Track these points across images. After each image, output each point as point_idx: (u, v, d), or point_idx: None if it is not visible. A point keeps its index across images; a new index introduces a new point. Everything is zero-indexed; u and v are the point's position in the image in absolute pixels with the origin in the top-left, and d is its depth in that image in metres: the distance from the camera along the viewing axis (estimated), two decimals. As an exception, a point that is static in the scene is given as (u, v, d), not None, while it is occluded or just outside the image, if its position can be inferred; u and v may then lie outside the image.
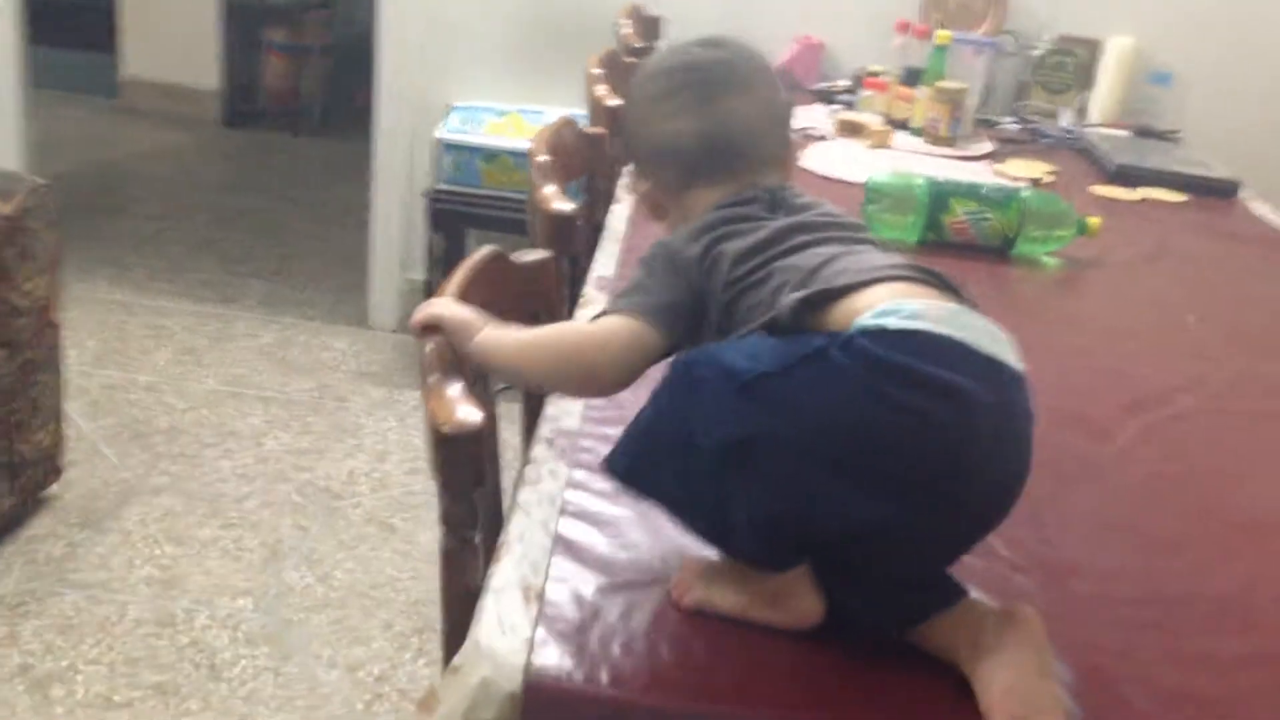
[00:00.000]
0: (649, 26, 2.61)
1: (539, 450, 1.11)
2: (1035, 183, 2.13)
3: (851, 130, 2.33)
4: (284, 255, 3.48)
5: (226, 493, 2.29)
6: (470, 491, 0.93)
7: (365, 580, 2.08)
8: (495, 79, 2.94)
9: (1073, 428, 1.24)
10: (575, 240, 1.38)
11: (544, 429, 1.15)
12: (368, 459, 2.46)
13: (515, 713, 0.80)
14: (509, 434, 1.29)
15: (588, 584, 0.92)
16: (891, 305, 0.83)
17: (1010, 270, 1.73)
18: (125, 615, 1.93)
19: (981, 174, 2.16)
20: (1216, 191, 2.24)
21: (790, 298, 0.88)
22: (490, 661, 0.82)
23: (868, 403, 0.78)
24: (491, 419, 1.19)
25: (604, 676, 0.81)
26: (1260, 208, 2.20)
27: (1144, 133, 2.55)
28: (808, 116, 2.40)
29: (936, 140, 2.31)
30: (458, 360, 0.98)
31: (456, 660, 0.84)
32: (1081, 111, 2.62)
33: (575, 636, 0.85)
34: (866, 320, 0.82)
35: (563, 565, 0.94)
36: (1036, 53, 2.64)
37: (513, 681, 0.81)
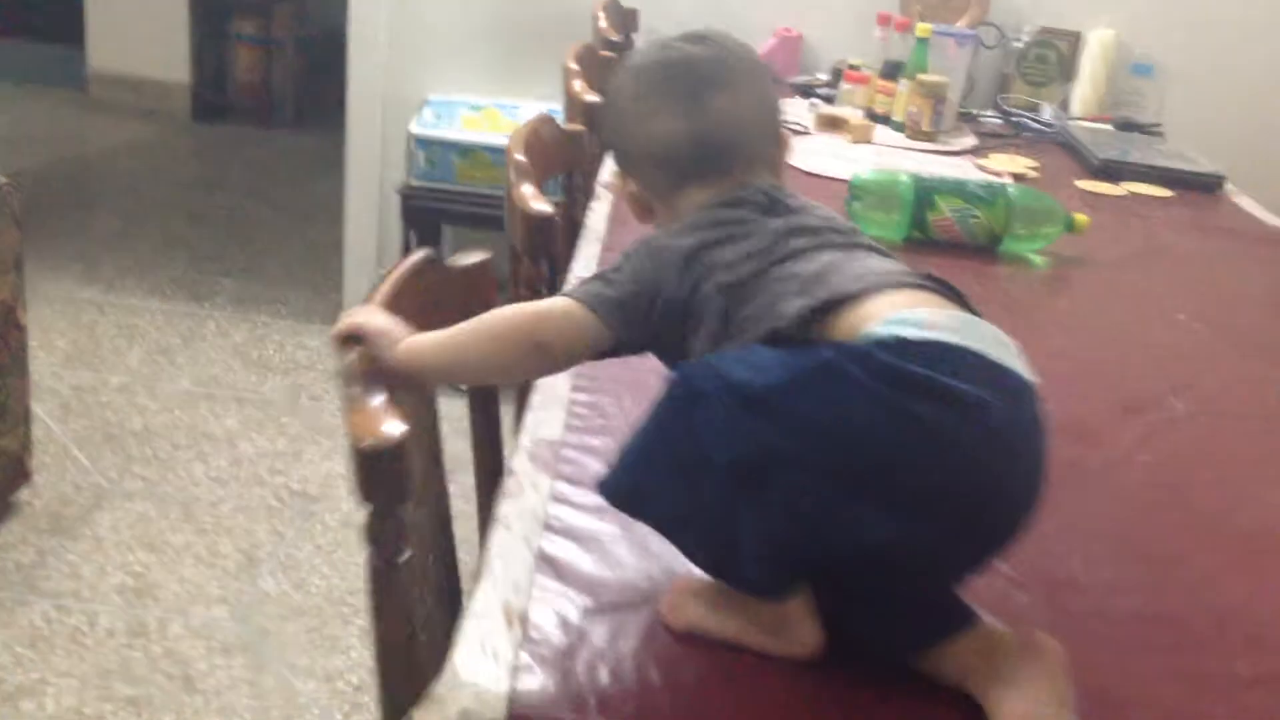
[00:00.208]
0: (625, 19, 2.57)
1: (519, 461, 1.07)
2: (1019, 178, 2.11)
3: (832, 125, 2.30)
4: (256, 252, 3.43)
5: (200, 497, 2.25)
6: (396, 508, 0.89)
7: (342, 586, 2.04)
8: (470, 72, 2.89)
9: (1067, 433, 1.19)
10: (554, 241, 1.35)
11: (524, 439, 1.11)
12: (344, 461, 2.41)
13: (499, 745, 0.77)
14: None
15: (573, 605, 0.88)
16: (904, 314, 0.80)
17: (997, 269, 1.71)
18: (97, 625, 1.89)
19: (964, 169, 2.14)
20: (1201, 186, 2.22)
21: (795, 306, 0.84)
22: (471, 690, 0.79)
23: (887, 417, 0.75)
24: (432, 427, 1.15)
25: (592, 705, 0.78)
26: (1245, 202, 2.19)
27: (1126, 126, 2.54)
28: (787, 110, 2.37)
29: (918, 135, 2.29)
30: (380, 370, 0.94)
31: (435, 688, 0.81)
32: (1063, 104, 2.60)
33: (561, 662, 0.81)
34: (879, 330, 0.79)
35: (546, 585, 0.90)
36: (1018, 45, 2.61)
37: (496, 711, 0.78)
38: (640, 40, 2.64)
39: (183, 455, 2.38)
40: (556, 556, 0.94)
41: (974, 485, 0.76)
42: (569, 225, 1.64)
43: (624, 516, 0.89)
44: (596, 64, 2.00)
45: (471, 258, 1.18)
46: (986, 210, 1.71)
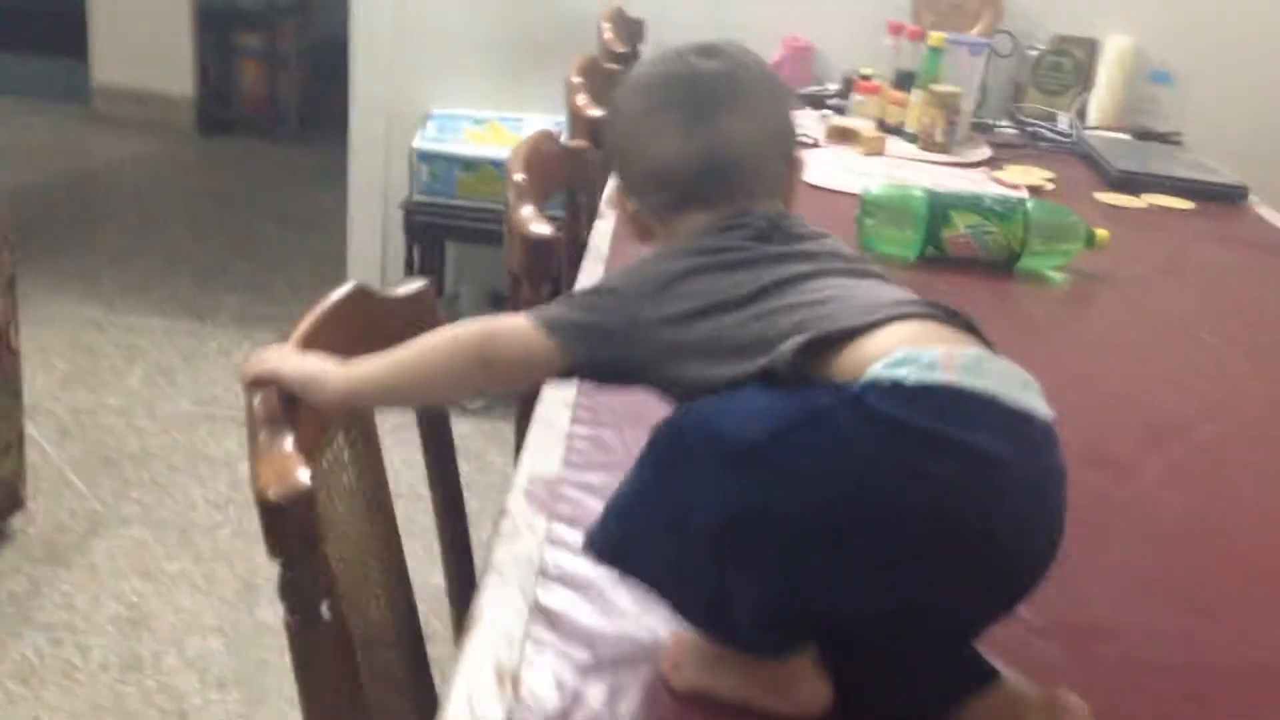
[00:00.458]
0: (631, 30, 2.51)
1: (515, 501, 1.02)
2: (1036, 190, 2.05)
3: (843, 136, 2.25)
4: (260, 268, 3.38)
5: (198, 522, 2.20)
6: (309, 557, 0.84)
7: (342, 615, 1.99)
8: (474, 84, 2.85)
9: (1091, 465, 1.15)
10: (555, 264, 1.29)
11: (521, 476, 1.06)
12: (345, 484, 2.36)
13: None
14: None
15: (569, 662, 0.83)
16: (906, 353, 0.73)
17: (1015, 287, 1.65)
18: (90, 658, 1.84)
19: (979, 181, 2.08)
20: (1224, 197, 2.16)
21: (789, 343, 0.77)
22: (460, 760, 0.74)
23: (881, 473, 0.69)
24: (376, 465, 1.09)
25: (588, 776, 0.73)
26: (1269, 213, 2.12)
27: (1145, 135, 2.47)
28: (800, 129, 2.32)
29: (931, 146, 2.23)
30: (289, 413, 0.88)
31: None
32: (1080, 114, 2.54)
33: (555, 728, 0.76)
34: (878, 372, 0.72)
35: (541, 638, 0.85)
36: (1033, 53, 2.55)
37: (485, 783, 0.72)
38: (646, 52, 2.59)
39: (181, 479, 2.33)
40: (552, 607, 0.88)
41: (981, 543, 0.70)
42: (572, 245, 1.59)
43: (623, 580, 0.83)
44: (601, 77, 1.95)
45: (411, 286, 1.12)
46: (1004, 226, 1.66)
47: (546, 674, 0.81)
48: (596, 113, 1.69)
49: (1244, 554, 1.05)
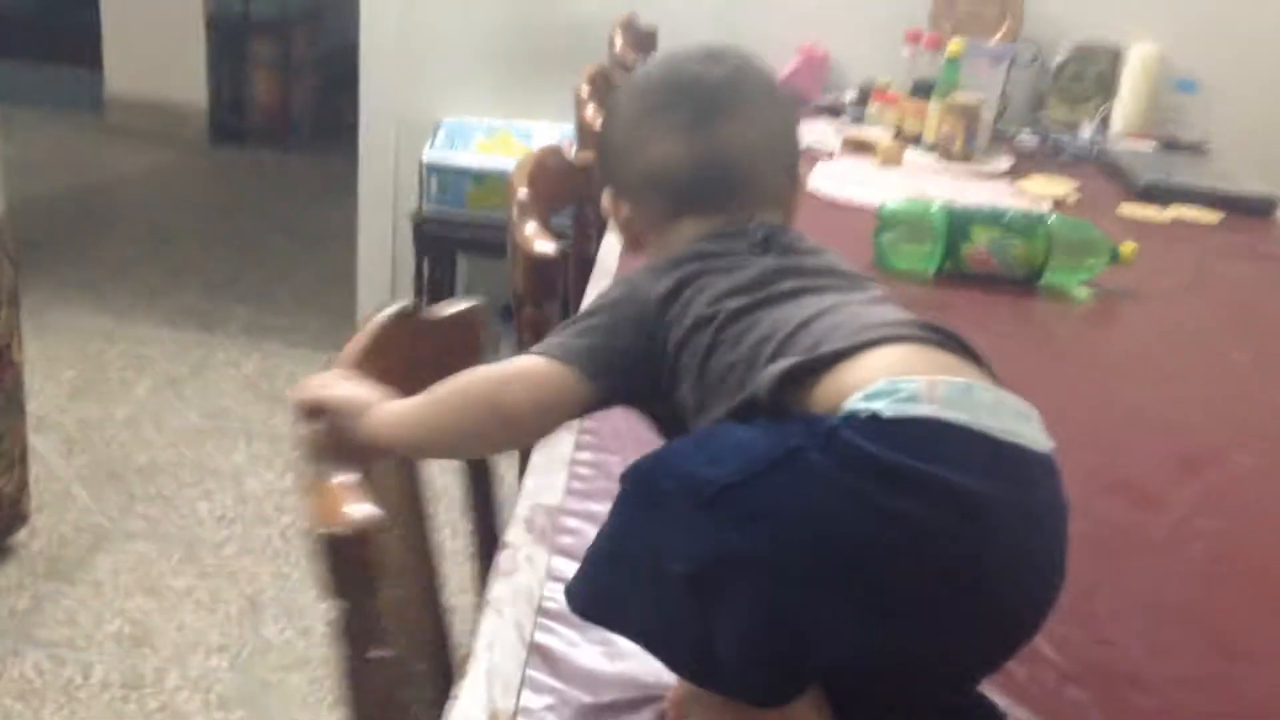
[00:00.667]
0: (643, 40, 2.47)
1: (515, 533, 0.98)
2: (1059, 202, 2.00)
3: (859, 147, 2.20)
4: (270, 279, 3.36)
5: (204, 538, 2.17)
6: (370, 599, 0.80)
7: (347, 635, 1.95)
8: (485, 93, 2.81)
9: (1119, 494, 1.11)
10: (560, 283, 1.25)
11: (522, 505, 1.02)
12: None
13: None
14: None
15: (568, 707, 0.79)
16: (886, 384, 0.68)
17: (1037, 303, 1.60)
18: (91, 677, 1.81)
19: (1000, 193, 2.03)
20: (1252, 209, 2.10)
21: (768, 373, 0.73)
22: (451, 816, 0.69)
23: (857, 514, 0.65)
24: (415, 499, 1.05)
25: (586, 835, 0.68)
26: (1298, 226, 2.07)
27: (1170, 145, 2.42)
28: (812, 132, 2.27)
29: (951, 157, 2.18)
30: (346, 445, 0.84)
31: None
32: (1103, 123, 2.48)
33: (552, 782, 0.72)
34: (855, 403, 0.68)
35: (539, 682, 0.81)
36: (1055, 61, 2.50)
37: (476, 841, 0.68)
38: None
39: (188, 493, 2.30)
40: (551, 647, 0.84)
41: (965, 586, 0.66)
42: (580, 262, 1.55)
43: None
44: (610, 88, 1.91)
45: (457, 306, 1.08)
46: (1025, 241, 1.61)
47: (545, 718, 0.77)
48: (606, 124, 1.65)
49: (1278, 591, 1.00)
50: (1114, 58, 2.51)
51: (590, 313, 0.83)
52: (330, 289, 3.22)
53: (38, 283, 3.01)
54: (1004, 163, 2.21)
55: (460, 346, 1.05)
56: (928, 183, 2.04)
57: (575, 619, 0.86)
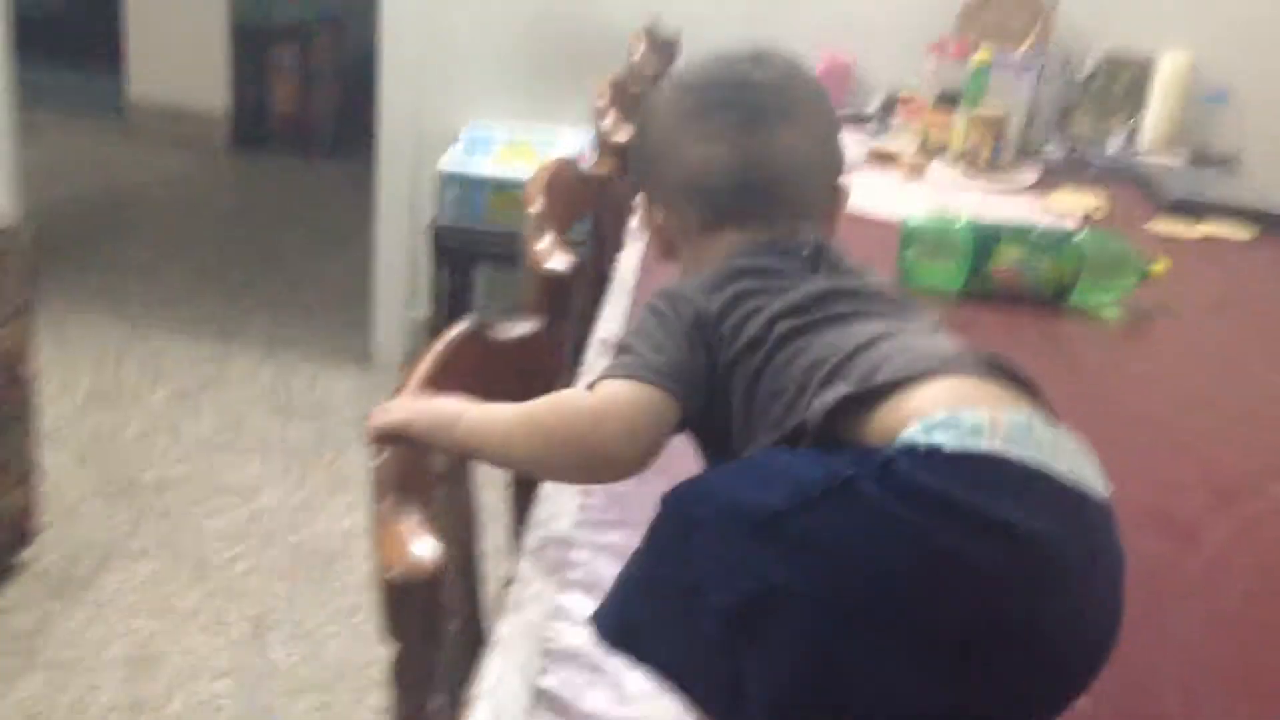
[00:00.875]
0: (664, 47, 2.44)
1: (525, 565, 0.94)
2: (1087, 217, 1.95)
3: (883, 160, 2.16)
4: (287, 287, 3.34)
5: (212, 556, 2.14)
6: (428, 647, 0.76)
7: (358, 657, 1.92)
8: (507, 100, 2.78)
9: (1153, 527, 1.06)
10: (573, 301, 1.21)
11: (531, 537, 0.98)
12: (364, 516, 2.30)
13: None
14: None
15: (574, 759, 0.75)
16: (947, 415, 0.65)
17: (1065, 324, 1.55)
18: (96, 699, 1.78)
19: (1027, 208, 1.98)
20: (1284, 224, 2.04)
21: (820, 402, 0.70)
22: None
23: (912, 552, 0.61)
24: (466, 539, 1.02)
25: None
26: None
27: (1201, 158, 2.36)
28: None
29: (976, 170, 2.13)
30: (417, 481, 0.81)
31: None
32: (1132, 135, 2.43)
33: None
34: (914, 435, 0.65)
35: (544, 731, 0.77)
36: (1083, 73, 2.45)
37: None
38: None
39: (198, 509, 2.27)
40: (557, 692, 0.80)
41: (1025, 637, 0.62)
42: (595, 277, 1.51)
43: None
44: (629, 98, 1.87)
45: (524, 326, 1.04)
46: (1053, 259, 1.56)
47: (548, 776, 0.73)
48: (623, 137, 1.61)
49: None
50: (1143, 68, 2.46)
51: (654, 328, 0.79)
52: (347, 299, 3.20)
53: (58, 289, 3.00)
54: (1031, 176, 2.16)
55: (530, 368, 1.02)
56: (953, 196, 1.99)
57: (584, 660, 0.83)
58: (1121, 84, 2.45)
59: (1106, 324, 1.57)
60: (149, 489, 2.31)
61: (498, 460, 0.83)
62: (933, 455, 0.63)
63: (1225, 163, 2.36)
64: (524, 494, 1.08)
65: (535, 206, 1.25)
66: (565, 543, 0.96)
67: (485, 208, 2.58)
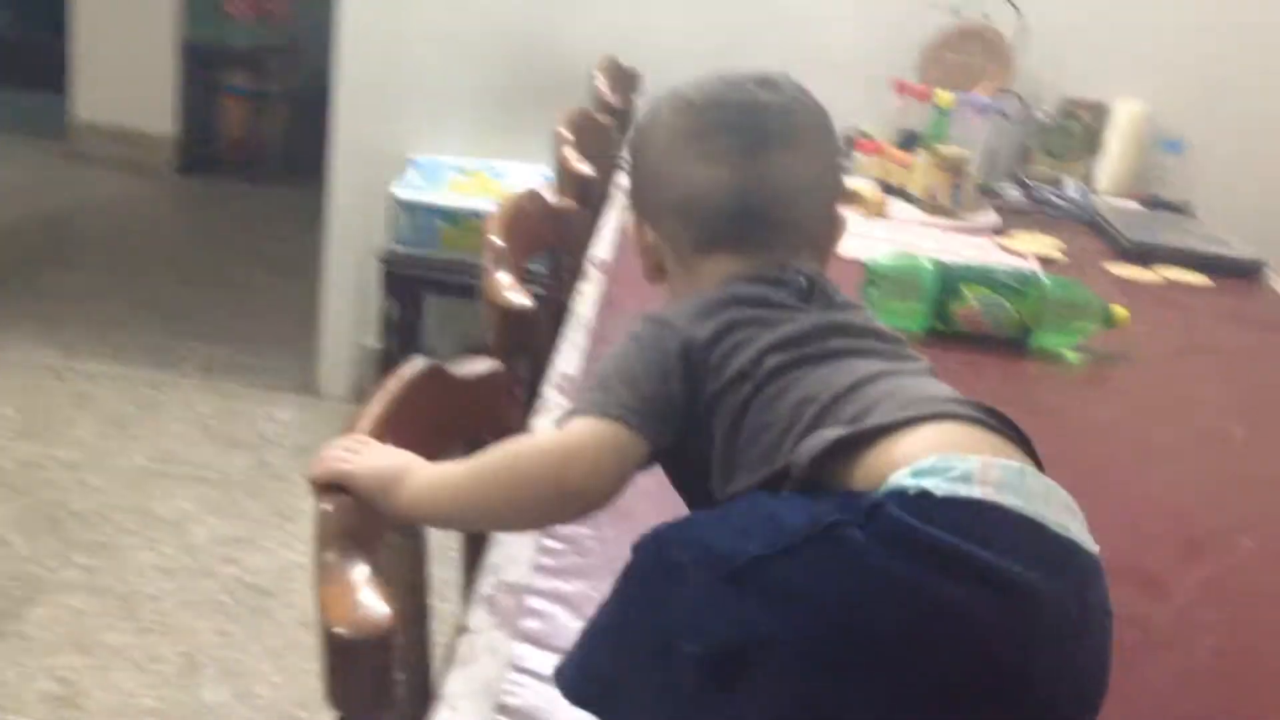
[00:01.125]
0: (626, 81, 2.41)
1: (477, 615, 0.89)
2: (1047, 261, 1.94)
3: (845, 198, 2.14)
4: (230, 314, 3.25)
5: (143, 590, 2.05)
6: (376, 712, 0.71)
7: (291, 695, 1.84)
8: (460, 131, 2.74)
9: (1123, 580, 1.01)
10: (535, 337, 1.17)
11: (484, 582, 0.93)
12: (303, 551, 2.21)
13: None
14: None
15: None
16: (938, 461, 0.63)
17: (1027, 367, 1.53)
18: (14, 741, 1.69)
19: (987, 249, 1.98)
20: (1239, 271, 2.05)
21: (810, 444, 0.68)
22: None
23: (901, 598, 0.59)
24: (419, 597, 0.96)
25: None
26: (1286, 290, 2.03)
27: (1156, 204, 2.38)
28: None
29: (936, 210, 2.13)
30: (365, 530, 0.76)
31: None
32: (1088, 179, 2.44)
33: None
34: (903, 479, 0.63)
35: (497, 797, 0.72)
36: (1041, 116, 2.46)
37: None
38: (641, 105, 2.50)
39: (129, 541, 2.18)
40: (512, 753, 0.75)
41: (1013, 689, 0.60)
42: (555, 313, 1.47)
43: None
44: (591, 130, 1.84)
45: (481, 365, 1.00)
46: (1017, 301, 1.55)
47: None
48: (586, 169, 1.58)
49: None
50: (1100, 115, 2.47)
51: (630, 357, 0.76)
52: (293, 327, 3.11)
53: (-12, 313, 2.90)
54: (990, 217, 2.16)
55: (488, 408, 0.98)
56: (914, 235, 1.98)
57: (542, 716, 0.78)
58: (1078, 130, 2.47)
59: (1068, 368, 1.55)
60: (78, 520, 2.22)
61: (448, 519, 0.80)
62: (922, 500, 0.61)
63: (1179, 210, 2.37)
64: (477, 536, 1.03)
65: (496, 240, 1.21)
66: (521, 590, 0.91)
67: (439, 237, 2.53)
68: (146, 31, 4.31)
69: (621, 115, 2.13)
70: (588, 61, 2.40)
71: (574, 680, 0.69)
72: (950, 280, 1.55)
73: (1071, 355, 1.57)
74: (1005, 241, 2.04)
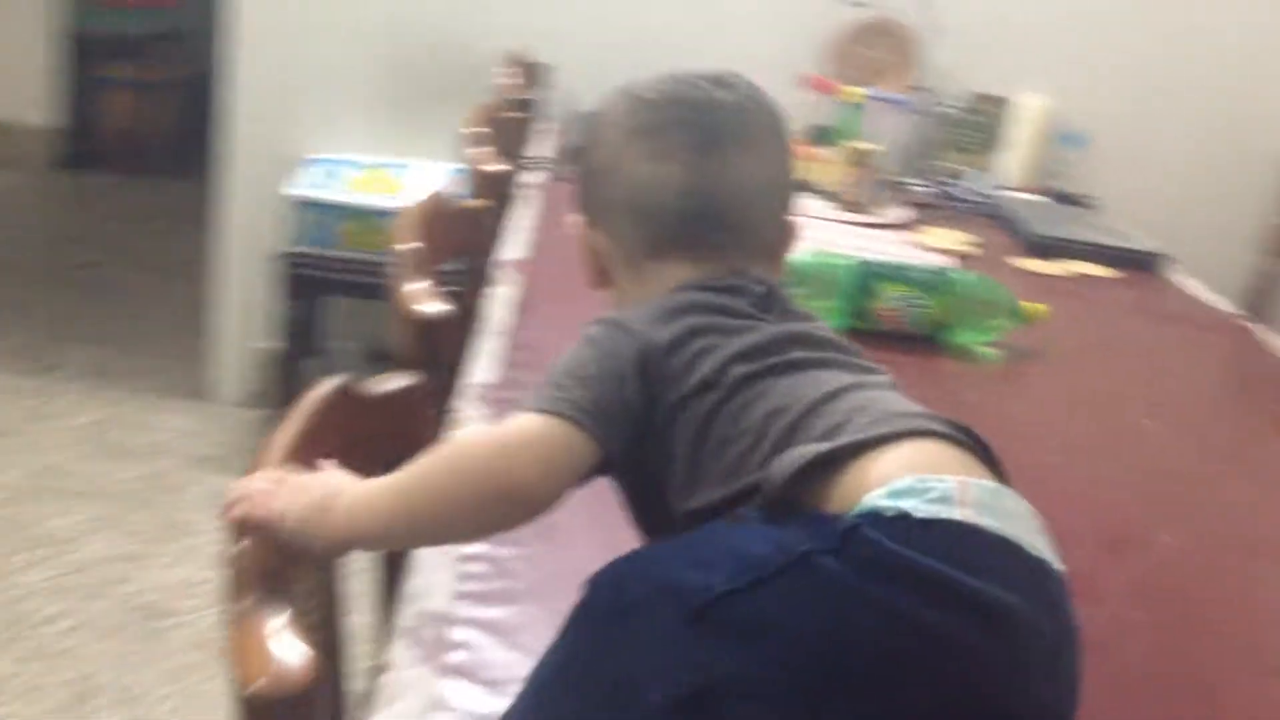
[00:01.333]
0: (533, 74, 2.36)
1: (398, 648, 0.83)
2: (959, 256, 1.95)
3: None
4: (116, 317, 3.10)
5: (30, 614, 1.93)
6: None
7: (192, 721, 1.75)
8: (358, 128, 2.65)
9: None
10: (450, 346, 1.11)
11: (404, 614, 0.87)
12: (200, 565, 2.12)
13: None
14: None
15: None
16: (914, 482, 0.61)
17: (943, 364, 1.53)
18: (-113, 783, 1.57)
19: (900, 244, 1.97)
20: (1142, 264, 2.09)
21: (786, 461, 0.65)
22: None
23: (877, 625, 0.57)
24: (332, 620, 0.90)
25: None
26: (1186, 282, 2.07)
27: (1059, 198, 2.41)
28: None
29: (849, 205, 2.12)
30: (282, 570, 0.70)
31: None
32: (993, 173, 2.46)
33: None
34: (879, 500, 0.61)
35: None
36: (947, 110, 2.47)
37: None
38: (552, 98, 2.44)
39: (14, 561, 2.06)
40: (442, 803, 0.70)
41: (998, 713, 0.58)
42: (466, 319, 1.41)
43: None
44: (501, 127, 1.78)
45: (396, 381, 0.94)
46: (934, 298, 1.54)
47: None
48: (499, 168, 1.52)
49: (1223, 700, 0.92)
50: (1006, 109, 2.50)
51: (585, 359, 0.72)
52: (183, 329, 2.98)
53: None
54: (902, 212, 2.16)
55: (405, 426, 0.93)
56: (830, 232, 1.97)
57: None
58: (983, 124, 2.49)
59: (985, 364, 1.55)
60: (-45, 540, 2.09)
61: (388, 532, 0.73)
62: (900, 523, 0.59)
63: (1082, 203, 2.41)
64: (394, 563, 0.98)
65: (406, 245, 1.15)
66: (443, 619, 0.86)
67: (338, 235, 2.44)
68: (22, 19, 4.11)
69: (530, 110, 2.07)
70: (492, 57, 2.33)
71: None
72: (868, 278, 1.54)
73: (988, 352, 1.57)
74: (918, 237, 2.04)
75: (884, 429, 0.65)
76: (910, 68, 2.43)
